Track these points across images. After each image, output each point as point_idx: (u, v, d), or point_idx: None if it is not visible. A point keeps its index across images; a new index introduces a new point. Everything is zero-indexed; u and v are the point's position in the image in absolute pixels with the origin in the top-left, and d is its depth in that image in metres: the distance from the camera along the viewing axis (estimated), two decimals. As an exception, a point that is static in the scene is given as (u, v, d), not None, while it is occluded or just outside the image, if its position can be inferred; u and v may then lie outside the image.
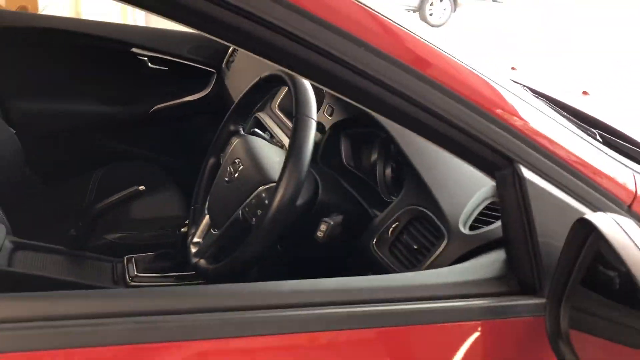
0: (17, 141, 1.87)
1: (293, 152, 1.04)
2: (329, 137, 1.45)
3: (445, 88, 0.77)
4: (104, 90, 2.14)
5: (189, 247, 1.31)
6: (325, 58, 0.71)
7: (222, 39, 0.71)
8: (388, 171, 1.33)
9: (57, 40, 2.04)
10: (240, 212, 1.15)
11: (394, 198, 1.24)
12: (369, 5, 0.75)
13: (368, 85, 0.74)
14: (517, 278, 0.85)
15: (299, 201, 1.11)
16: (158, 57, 2.16)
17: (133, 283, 1.51)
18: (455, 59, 0.81)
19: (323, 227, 1.15)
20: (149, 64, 2.15)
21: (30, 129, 2.02)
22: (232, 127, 1.38)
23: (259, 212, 1.10)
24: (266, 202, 1.10)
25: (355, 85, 0.74)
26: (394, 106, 0.77)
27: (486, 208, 1.04)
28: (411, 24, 0.79)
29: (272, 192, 1.05)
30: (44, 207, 1.89)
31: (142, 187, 1.72)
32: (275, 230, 1.04)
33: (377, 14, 0.75)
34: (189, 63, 2.20)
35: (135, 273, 1.53)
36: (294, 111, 1.09)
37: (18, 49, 2.00)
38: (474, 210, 1.04)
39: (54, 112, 2.09)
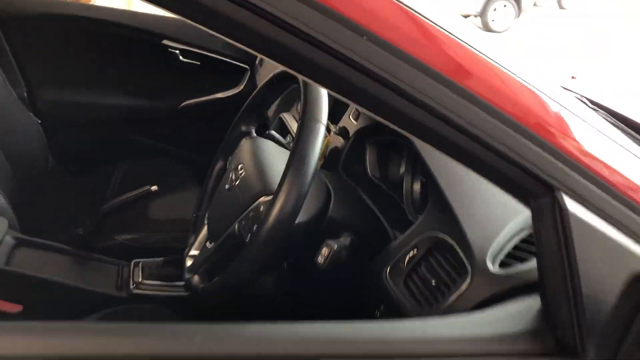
0: (42, 131, 1.82)
1: (295, 160, 0.89)
2: (353, 144, 1.30)
3: (477, 98, 0.61)
4: (132, 82, 2.06)
5: (185, 260, 1.19)
6: (335, 59, 0.57)
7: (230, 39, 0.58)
8: (417, 186, 1.17)
9: (87, 29, 1.97)
10: (236, 225, 1.01)
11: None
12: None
13: (385, 92, 0.59)
14: (553, 334, 0.68)
15: (304, 217, 0.96)
16: (190, 50, 2.05)
17: (136, 291, 1.41)
18: (484, 59, 0.64)
19: (324, 251, 0.98)
20: (180, 57, 2.05)
21: (56, 119, 1.98)
22: (243, 128, 1.25)
23: (255, 227, 0.96)
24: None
25: (369, 93, 0.59)
26: (413, 118, 0.61)
27: (523, 241, 0.87)
28: (444, 22, 0.63)
29: (270, 206, 0.91)
30: (64, 200, 1.82)
31: (154, 187, 1.63)
32: (269, 250, 0.90)
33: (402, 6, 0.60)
34: (221, 58, 2.09)
35: (140, 279, 1.44)
36: (301, 113, 0.94)
37: (47, 37, 1.95)
38: (506, 243, 0.86)
39: (81, 103, 2.03)
